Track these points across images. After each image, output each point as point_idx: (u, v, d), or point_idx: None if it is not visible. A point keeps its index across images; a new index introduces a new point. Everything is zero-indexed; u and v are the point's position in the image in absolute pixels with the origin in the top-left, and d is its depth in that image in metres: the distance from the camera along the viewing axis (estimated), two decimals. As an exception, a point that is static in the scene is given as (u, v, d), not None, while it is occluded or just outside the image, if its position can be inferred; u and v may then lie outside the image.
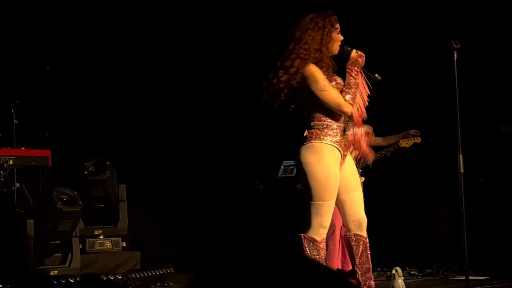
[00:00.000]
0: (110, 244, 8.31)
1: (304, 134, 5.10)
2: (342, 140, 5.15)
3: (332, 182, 5.07)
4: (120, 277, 7.44)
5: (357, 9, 8.50)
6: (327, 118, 5.10)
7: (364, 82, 5.18)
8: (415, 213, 9.06)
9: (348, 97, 5.07)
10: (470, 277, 5.76)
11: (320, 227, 5.10)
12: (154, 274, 7.91)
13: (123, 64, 10.05)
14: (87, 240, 8.19)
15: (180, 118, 9.85)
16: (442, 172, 8.36)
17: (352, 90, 5.10)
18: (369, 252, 5.24)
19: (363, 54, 5.17)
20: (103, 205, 8.36)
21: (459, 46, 5.37)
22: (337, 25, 5.15)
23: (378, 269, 8.12)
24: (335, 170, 5.10)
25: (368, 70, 5.17)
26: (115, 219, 8.45)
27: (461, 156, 5.41)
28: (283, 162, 9.36)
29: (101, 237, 8.30)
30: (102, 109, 9.48)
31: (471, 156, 7.42)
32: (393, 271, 5.66)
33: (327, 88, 5.02)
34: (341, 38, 5.16)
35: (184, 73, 10.28)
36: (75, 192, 7.72)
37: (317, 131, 5.08)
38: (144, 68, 10.12)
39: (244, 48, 10.11)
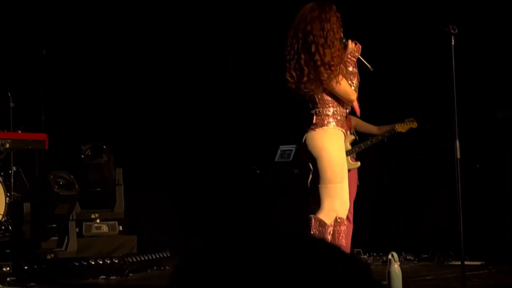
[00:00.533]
0: (106, 227, 8.32)
1: (314, 120, 5.26)
2: (345, 126, 5.39)
3: (343, 165, 5.31)
4: (116, 261, 7.46)
5: (357, 9, 8.45)
6: (335, 104, 5.29)
7: (356, 72, 5.39)
8: (412, 198, 9.07)
9: (353, 85, 5.31)
10: (466, 262, 5.77)
11: (331, 210, 5.24)
12: (150, 258, 7.93)
13: (120, 53, 10.03)
14: (83, 223, 8.19)
15: (176, 106, 9.85)
16: (440, 158, 8.37)
17: (355, 79, 5.32)
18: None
19: (359, 45, 5.33)
20: (99, 189, 8.37)
21: (456, 31, 5.37)
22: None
23: (374, 254, 8.15)
24: (344, 154, 5.38)
25: (362, 60, 5.38)
26: (111, 203, 8.46)
27: (457, 142, 5.42)
28: (280, 146, 9.34)
29: (98, 220, 8.31)
30: (99, 94, 9.48)
31: (468, 143, 7.43)
32: (389, 256, 5.66)
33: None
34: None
35: (181, 65, 10.28)
36: (72, 176, 7.73)
37: (326, 116, 5.26)
38: (141, 56, 10.11)
39: (244, 48, 10.08)
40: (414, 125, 7.22)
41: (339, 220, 5.29)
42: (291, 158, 9.00)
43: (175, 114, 9.86)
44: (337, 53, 5.21)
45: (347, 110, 5.42)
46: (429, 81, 8.84)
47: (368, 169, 7.38)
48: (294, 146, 8.74)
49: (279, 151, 9.26)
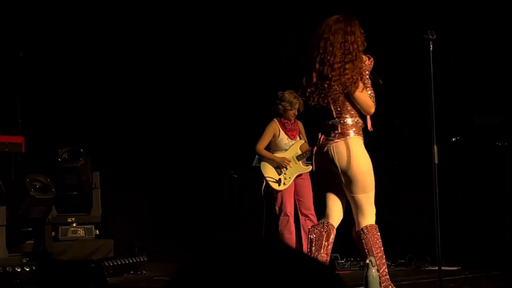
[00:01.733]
0: (83, 231, 8.27)
1: (339, 129, 5.35)
2: (362, 135, 5.48)
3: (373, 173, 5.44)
4: (93, 265, 7.41)
5: (357, 8, 8.47)
6: (356, 114, 5.40)
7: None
8: (390, 203, 9.10)
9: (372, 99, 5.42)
10: (443, 268, 5.79)
11: (374, 215, 5.43)
12: (127, 262, 7.89)
13: (99, 55, 9.99)
14: (60, 227, 8.14)
15: (155, 107, 9.83)
16: (419, 163, 8.40)
17: (372, 93, 5.42)
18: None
19: (372, 59, 5.40)
20: (76, 193, 8.32)
21: (435, 37, 5.40)
22: None
23: (351, 259, 8.16)
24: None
25: (372, 74, 5.42)
26: (88, 206, 8.41)
27: (435, 146, 5.45)
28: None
29: (74, 224, 8.26)
30: (77, 96, 9.43)
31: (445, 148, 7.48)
32: (367, 261, 5.67)
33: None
34: None
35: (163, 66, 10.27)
36: (48, 179, 7.68)
37: (350, 126, 5.36)
38: (120, 58, 10.09)
39: (244, 48, 10.09)
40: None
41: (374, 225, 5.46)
42: None
43: (156, 116, 9.86)
44: (360, 65, 5.25)
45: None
46: (408, 85, 8.88)
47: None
48: None
49: (256, 156, 9.25)
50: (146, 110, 9.95)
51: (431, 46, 5.40)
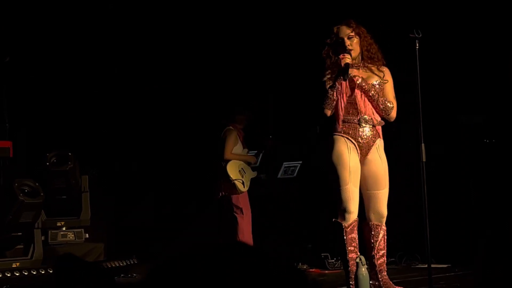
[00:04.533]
0: (72, 235, 8.25)
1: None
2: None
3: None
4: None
5: (357, 8, 8.47)
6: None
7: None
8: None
9: None
10: (433, 265, 5.82)
11: (340, 211, 5.68)
12: (117, 265, 7.88)
13: (85, 58, 9.98)
14: (49, 231, 8.11)
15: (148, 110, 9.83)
16: (406, 161, 8.41)
17: None
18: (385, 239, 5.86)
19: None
20: (65, 197, 8.29)
21: (420, 35, 5.41)
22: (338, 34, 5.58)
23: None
24: None
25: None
26: (77, 210, 8.39)
27: (423, 145, 5.46)
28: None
29: (64, 228, 8.24)
30: (64, 101, 9.41)
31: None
32: (357, 260, 5.69)
33: None
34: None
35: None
36: (37, 184, 7.65)
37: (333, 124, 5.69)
38: (107, 61, 10.07)
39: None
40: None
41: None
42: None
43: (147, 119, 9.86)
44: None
45: None
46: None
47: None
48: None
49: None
50: (136, 111, 9.94)
51: (417, 44, 5.41)
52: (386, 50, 5.57)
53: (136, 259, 8.14)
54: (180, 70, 10.20)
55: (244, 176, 8.19)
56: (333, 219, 5.62)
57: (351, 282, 5.62)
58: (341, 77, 5.38)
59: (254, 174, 8.43)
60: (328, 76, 5.48)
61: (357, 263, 5.74)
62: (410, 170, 7.76)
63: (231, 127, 8.27)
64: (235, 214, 8.08)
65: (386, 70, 5.59)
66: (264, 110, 9.95)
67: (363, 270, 5.77)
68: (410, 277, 7.14)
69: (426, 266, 5.75)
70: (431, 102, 5.72)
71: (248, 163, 8.34)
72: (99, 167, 9.49)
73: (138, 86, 10.20)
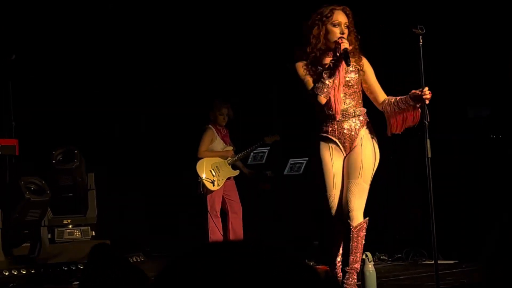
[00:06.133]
0: (79, 233, 8.25)
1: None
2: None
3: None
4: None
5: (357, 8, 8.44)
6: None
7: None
8: (385, 198, 9.08)
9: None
10: (439, 261, 5.79)
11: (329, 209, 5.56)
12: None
13: (89, 59, 9.98)
14: (55, 229, 8.12)
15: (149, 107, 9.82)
16: (412, 157, 8.38)
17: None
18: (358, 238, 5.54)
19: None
20: (71, 194, 8.30)
21: (424, 31, 5.36)
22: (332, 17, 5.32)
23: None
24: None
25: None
26: (83, 208, 8.39)
27: (428, 140, 5.42)
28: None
29: (70, 226, 8.24)
30: (70, 99, 9.41)
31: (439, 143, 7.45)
32: (363, 256, 5.67)
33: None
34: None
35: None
36: (43, 181, 7.65)
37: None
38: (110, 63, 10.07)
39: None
40: (278, 138, 8.56)
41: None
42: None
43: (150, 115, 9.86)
44: None
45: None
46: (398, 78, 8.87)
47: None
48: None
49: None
50: (139, 109, 9.94)
51: (421, 40, 5.36)
52: (390, 46, 5.52)
53: (142, 256, 8.13)
54: (180, 68, 10.20)
55: (217, 174, 8.35)
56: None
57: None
58: (340, 63, 5.19)
59: (235, 172, 8.55)
60: (310, 60, 5.33)
61: (363, 259, 5.72)
62: (416, 166, 7.72)
63: (209, 125, 8.45)
64: (207, 213, 8.29)
65: (364, 60, 5.45)
66: (268, 102, 9.96)
67: (370, 266, 5.75)
68: (417, 274, 7.13)
69: (433, 262, 5.72)
70: (437, 96, 5.64)
71: (225, 158, 8.44)
72: (106, 164, 9.49)
73: (140, 86, 10.19)
